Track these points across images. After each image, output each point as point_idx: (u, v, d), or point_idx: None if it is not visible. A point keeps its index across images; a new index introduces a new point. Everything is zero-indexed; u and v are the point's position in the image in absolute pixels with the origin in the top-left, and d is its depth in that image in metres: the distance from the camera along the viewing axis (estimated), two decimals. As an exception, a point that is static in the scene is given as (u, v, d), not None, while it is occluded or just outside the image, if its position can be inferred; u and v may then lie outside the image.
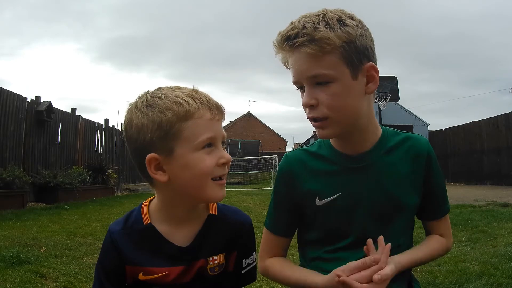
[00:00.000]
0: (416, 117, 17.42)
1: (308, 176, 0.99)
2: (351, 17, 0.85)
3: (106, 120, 10.68)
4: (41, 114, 7.24)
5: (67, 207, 6.19)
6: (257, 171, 16.59)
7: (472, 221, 4.46)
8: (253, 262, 0.92)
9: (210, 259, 0.82)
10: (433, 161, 0.99)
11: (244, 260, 0.89)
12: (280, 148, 35.35)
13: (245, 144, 22.73)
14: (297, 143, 39.40)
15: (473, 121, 13.46)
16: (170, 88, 0.80)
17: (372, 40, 0.89)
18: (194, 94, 0.78)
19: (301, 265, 1.06)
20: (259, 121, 37.50)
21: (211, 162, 0.76)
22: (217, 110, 0.80)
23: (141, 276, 0.79)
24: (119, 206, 6.75)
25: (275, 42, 0.87)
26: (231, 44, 71.73)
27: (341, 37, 0.81)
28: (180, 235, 0.82)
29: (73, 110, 9.01)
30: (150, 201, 0.87)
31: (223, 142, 0.81)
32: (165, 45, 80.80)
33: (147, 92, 0.81)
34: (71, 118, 8.82)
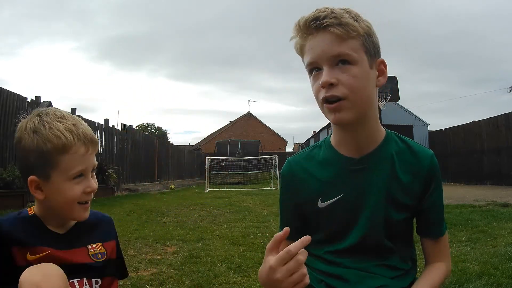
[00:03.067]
0: (416, 117, 17.43)
1: (310, 179, 1.00)
2: (366, 20, 0.92)
3: (106, 120, 10.70)
4: (41, 114, 7.23)
5: (67, 207, 6.19)
6: (257, 171, 16.60)
7: (472, 221, 4.46)
8: None
9: (90, 246, 0.97)
10: (436, 178, 0.98)
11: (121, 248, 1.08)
12: (280, 148, 35.36)
13: (245, 144, 22.72)
14: (297, 143, 39.41)
15: (473, 121, 13.49)
16: (55, 115, 0.92)
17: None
18: (73, 129, 0.90)
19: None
20: (259, 121, 37.54)
21: (79, 191, 0.92)
22: (91, 144, 0.93)
23: (29, 256, 0.87)
24: (119, 206, 6.75)
25: (299, 24, 0.90)
26: (231, 44, 71.85)
27: (364, 28, 0.89)
28: (58, 229, 0.96)
29: (73, 110, 9.00)
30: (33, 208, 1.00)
31: (93, 170, 0.95)
32: (165, 44, 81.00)
33: (37, 114, 0.92)
34: (71, 118, 8.81)
